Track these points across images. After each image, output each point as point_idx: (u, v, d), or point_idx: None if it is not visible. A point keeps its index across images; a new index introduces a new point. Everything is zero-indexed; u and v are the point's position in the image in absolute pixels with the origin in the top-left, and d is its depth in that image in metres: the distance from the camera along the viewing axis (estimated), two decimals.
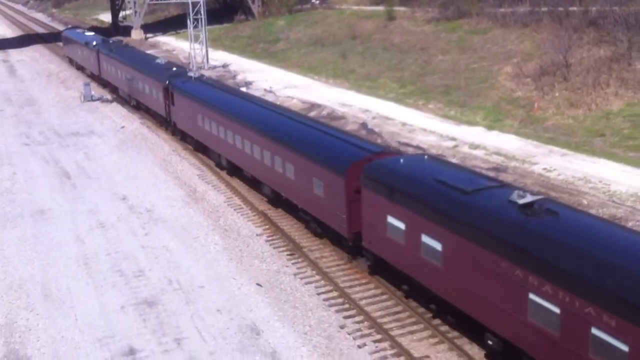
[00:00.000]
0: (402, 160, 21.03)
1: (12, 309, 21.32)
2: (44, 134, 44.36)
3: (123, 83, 51.48)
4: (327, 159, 23.02)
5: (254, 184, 30.90)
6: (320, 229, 24.92)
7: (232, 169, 33.18)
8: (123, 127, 45.18)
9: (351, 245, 22.77)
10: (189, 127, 37.96)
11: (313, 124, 27.97)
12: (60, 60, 79.89)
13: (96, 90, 57.49)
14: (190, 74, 40.70)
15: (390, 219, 19.78)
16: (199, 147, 37.45)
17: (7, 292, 22.37)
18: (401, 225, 19.32)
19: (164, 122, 42.97)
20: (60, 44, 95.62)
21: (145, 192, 32.13)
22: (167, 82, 40.02)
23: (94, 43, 60.26)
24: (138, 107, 49.11)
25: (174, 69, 42.72)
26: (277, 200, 28.46)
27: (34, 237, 27.00)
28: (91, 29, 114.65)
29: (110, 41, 64.07)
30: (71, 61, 73.44)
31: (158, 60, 46.82)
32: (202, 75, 41.28)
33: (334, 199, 22.58)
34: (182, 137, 40.11)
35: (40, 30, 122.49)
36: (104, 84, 58.90)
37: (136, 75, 47.22)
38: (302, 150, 24.76)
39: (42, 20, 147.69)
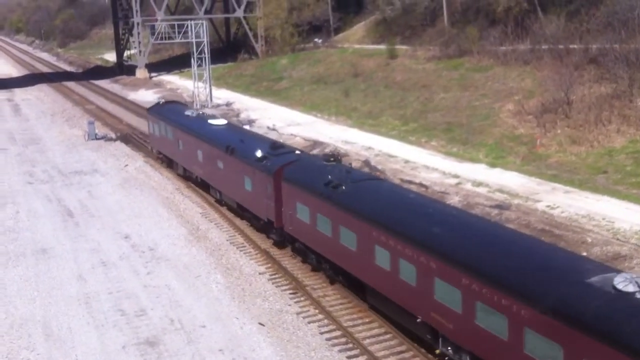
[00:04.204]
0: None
1: (13, 348, 21.14)
2: (47, 173, 44.48)
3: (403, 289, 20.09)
4: None
5: None
6: None
7: None
8: (126, 165, 45.31)
9: None
10: None
11: None
12: (64, 98, 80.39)
13: (100, 129, 57.71)
14: None
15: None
16: None
17: (8, 332, 22.21)
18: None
19: None
20: (68, 83, 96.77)
21: (147, 230, 32.09)
22: None
23: (259, 154, 29.10)
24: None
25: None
26: None
27: (36, 276, 26.89)
28: (95, 68, 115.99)
29: (297, 152, 29.90)
30: (171, 163, 42.52)
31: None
32: None
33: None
34: None
35: (45, 69, 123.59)
36: (294, 245, 27.64)
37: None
38: None
39: (48, 59, 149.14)
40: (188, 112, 41.08)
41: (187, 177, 39.97)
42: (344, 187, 23.26)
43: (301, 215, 25.73)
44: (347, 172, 25.00)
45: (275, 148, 29.83)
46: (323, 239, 24.29)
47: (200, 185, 37.98)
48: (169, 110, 43.93)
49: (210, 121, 37.93)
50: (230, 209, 34.27)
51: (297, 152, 30.07)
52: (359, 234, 21.75)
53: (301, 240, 26.45)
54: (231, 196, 33.17)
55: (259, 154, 29.26)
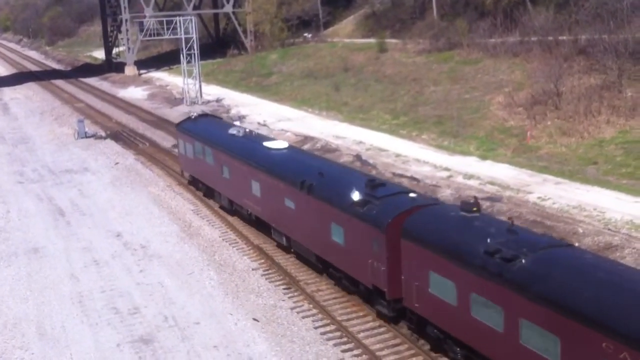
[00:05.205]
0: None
1: (8, 348, 21.09)
2: (37, 172, 44.29)
3: None
4: None
5: None
6: None
7: None
8: (117, 163, 45.16)
9: None
10: None
11: None
12: (53, 97, 79.97)
13: (90, 127, 57.45)
14: None
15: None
16: None
17: (1, 332, 22.15)
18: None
19: None
20: (55, 81, 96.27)
21: (139, 228, 32.01)
22: None
23: (357, 197, 21.79)
24: None
25: None
26: None
27: (28, 276, 26.80)
28: (84, 66, 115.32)
29: (412, 195, 21.86)
30: (210, 192, 35.35)
31: None
32: None
33: None
34: None
35: (34, 68, 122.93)
36: (421, 327, 19.94)
37: None
38: None
39: (36, 58, 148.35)
40: (233, 131, 33.21)
41: (234, 211, 32.49)
42: (523, 261, 15.75)
43: (439, 290, 18.12)
44: (510, 231, 17.20)
45: (375, 187, 22.06)
46: (484, 332, 16.56)
47: (255, 223, 30.42)
48: (206, 127, 36.26)
49: (266, 144, 30.13)
50: (300, 257, 26.87)
51: (412, 194, 21.91)
52: (565, 340, 14.28)
53: (438, 325, 18.65)
54: (308, 246, 25.38)
55: (355, 196, 21.84)
